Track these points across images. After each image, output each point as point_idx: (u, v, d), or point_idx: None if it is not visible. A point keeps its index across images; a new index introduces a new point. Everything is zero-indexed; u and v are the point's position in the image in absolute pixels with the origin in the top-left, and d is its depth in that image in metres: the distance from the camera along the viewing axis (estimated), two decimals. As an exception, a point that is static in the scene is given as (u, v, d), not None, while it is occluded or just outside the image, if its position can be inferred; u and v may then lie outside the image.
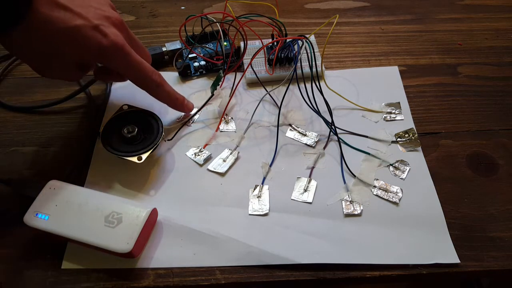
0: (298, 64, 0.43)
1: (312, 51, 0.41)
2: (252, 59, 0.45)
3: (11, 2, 0.29)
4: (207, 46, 0.49)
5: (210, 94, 0.46)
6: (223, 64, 0.47)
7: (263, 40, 0.47)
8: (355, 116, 0.45)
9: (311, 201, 0.38)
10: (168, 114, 0.45)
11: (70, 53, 0.34)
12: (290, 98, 0.47)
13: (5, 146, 0.42)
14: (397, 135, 0.43)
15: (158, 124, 0.40)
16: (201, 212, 0.38)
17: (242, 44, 0.50)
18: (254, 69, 0.47)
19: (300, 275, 0.34)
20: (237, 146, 0.43)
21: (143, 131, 0.40)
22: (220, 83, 0.45)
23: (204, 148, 0.42)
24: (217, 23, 0.45)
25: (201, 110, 0.45)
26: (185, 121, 0.44)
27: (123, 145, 0.39)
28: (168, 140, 0.42)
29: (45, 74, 0.37)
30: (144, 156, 0.38)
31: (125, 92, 0.47)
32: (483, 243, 0.36)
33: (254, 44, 0.50)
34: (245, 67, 0.47)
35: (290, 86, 0.45)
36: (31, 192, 0.36)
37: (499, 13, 0.58)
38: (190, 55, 0.48)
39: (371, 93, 0.47)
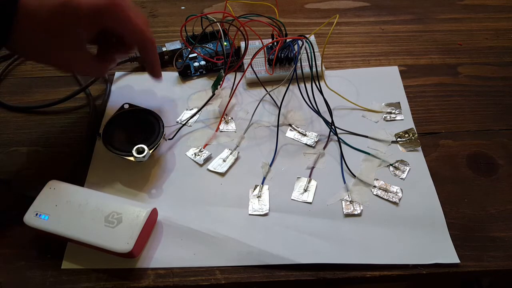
0: (298, 64, 0.43)
1: (312, 51, 0.41)
2: (252, 59, 0.45)
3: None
4: (207, 46, 0.49)
5: (210, 94, 0.46)
6: (223, 64, 0.47)
7: (263, 40, 0.47)
8: (355, 116, 0.45)
9: (311, 201, 0.38)
10: (167, 114, 0.45)
11: (71, 28, 0.34)
12: (290, 98, 0.47)
13: (5, 146, 0.42)
14: (397, 135, 0.43)
15: (159, 123, 0.40)
16: (201, 212, 0.38)
17: (242, 44, 0.50)
18: (254, 69, 0.47)
19: (300, 275, 0.34)
20: (237, 146, 0.43)
21: (144, 130, 0.40)
22: (221, 82, 0.45)
23: (204, 148, 0.42)
24: (217, 23, 0.45)
25: (201, 110, 0.45)
26: (186, 121, 0.44)
27: (124, 144, 0.39)
28: (169, 139, 0.42)
29: (65, 68, 0.38)
30: (145, 156, 0.38)
31: (125, 92, 0.47)
32: (483, 243, 0.36)
33: (254, 44, 0.50)
34: (245, 67, 0.47)
35: (290, 86, 0.45)
36: (31, 192, 0.36)
37: (499, 13, 0.58)
38: (190, 55, 0.48)
39: (371, 93, 0.47)
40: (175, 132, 0.43)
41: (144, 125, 0.40)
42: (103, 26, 0.36)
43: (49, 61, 0.36)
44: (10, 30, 0.31)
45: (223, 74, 0.45)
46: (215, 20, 0.45)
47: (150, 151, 0.38)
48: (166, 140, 0.42)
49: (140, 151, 0.37)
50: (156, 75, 0.43)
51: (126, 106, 0.41)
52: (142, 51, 0.40)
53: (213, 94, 0.45)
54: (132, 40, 0.38)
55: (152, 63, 0.41)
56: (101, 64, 0.39)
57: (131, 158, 0.38)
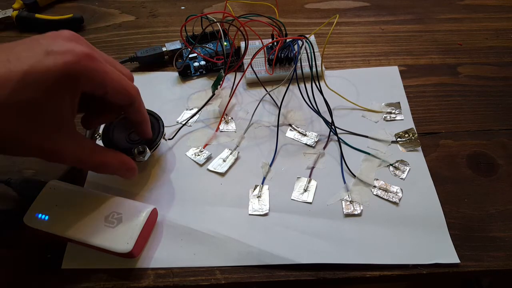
0: (298, 64, 0.43)
1: (312, 51, 0.41)
2: (252, 59, 0.45)
3: None
4: (207, 46, 0.49)
5: (210, 94, 0.46)
6: (223, 63, 0.47)
7: (263, 40, 0.47)
8: (355, 116, 0.45)
9: (311, 201, 0.38)
10: (167, 114, 0.45)
11: (45, 106, 0.28)
12: (290, 98, 0.47)
13: (5, 146, 0.42)
14: (397, 135, 0.43)
15: (159, 123, 0.40)
16: (201, 212, 0.38)
17: (242, 44, 0.50)
18: (254, 69, 0.47)
19: (300, 275, 0.34)
20: (237, 146, 0.43)
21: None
22: (221, 82, 0.45)
23: (204, 148, 0.42)
24: (217, 23, 0.45)
25: (201, 110, 0.45)
26: (186, 121, 0.44)
27: (124, 144, 0.39)
28: (169, 139, 0.42)
29: (55, 156, 0.30)
30: (146, 156, 0.38)
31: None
32: (483, 243, 0.36)
33: (254, 44, 0.50)
34: (245, 67, 0.47)
35: (290, 86, 0.45)
36: (31, 192, 0.36)
37: (499, 13, 0.58)
38: (190, 55, 0.48)
39: (371, 93, 0.47)
40: (175, 132, 0.43)
41: None
42: (81, 91, 0.29)
43: (31, 152, 0.29)
44: None
45: (223, 74, 0.45)
46: (215, 20, 0.45)
47: (151, 152, 0.38)
48: (166, 140, 0.42)
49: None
50: (147, 135, 0.37)
51: None
52: (129, 110, 0.34)
53: (213, 94, 0.45)
54: (116, 100, 0.32)
55: (143, 121, 0.36)
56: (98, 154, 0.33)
57: (132, 157, 0.38)
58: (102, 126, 0.43)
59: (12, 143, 0.28)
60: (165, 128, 0.40)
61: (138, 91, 0.34)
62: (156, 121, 0.40)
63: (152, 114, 0.41)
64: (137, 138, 0.39)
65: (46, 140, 0.29)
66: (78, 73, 0.28)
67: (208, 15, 0.45)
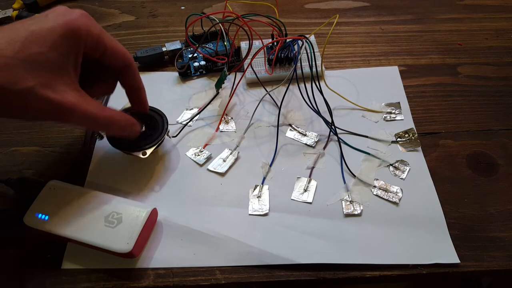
0: (298, 64, 0.43)
1: (312, 51, 0.41)
2: (252, 59, 0.45)
3: None
4: (207, 46, 0.49)
5: (210, 94, 0.46)
6: (225, 63, 0.47)
7: (263, 40, 0.47)
8: (355, 116, 0.45)
9: (311, 201, 0.38)
10: (168, 114, 0.44)
11: (56, 61, 0.30)
12: (290, 98, 0.47)
13: (5, 146, 0.42)
14: (397, 135, 0.43)
15: (163, 120, 0.40)
16: (201, 212, 0.38)
17: (242, 44, 0.50)
18: (254, 69, 0.47)
19: (300, 275, 0.34)
20: (237, 146, 0.43)
21: (148, 127, 0.40)
22: (225, 80, 0.45)
23: (204, 148, 0.42)
24: (219, 24, 0.45)
25: (202, 109, 0.45)
26: (188, 121, 0.44)
27: (127, 141, 0.39)
28: (173, 137, 0.42)
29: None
30: (148, 152, 0.38)
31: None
32: (483, 243, 0.36)
33: (254, 44, 0.50)
34: (245, 67, 0.47)
35: (290, 86, 0.45)
36: (31, 192, 0.36)
37: (499, 13, 0.58)
38: (190, 55, 0.48)
39: (371, 93, 0.47)
40: (179, 130, 0.43)
41: (149, 121, 0.40)
42: (84, 45, 0.31)
43: (40, 110, 0.30)
44: None
45: (227, 73, 0.45)
46: (218, 21, 0.45)
47: (155, 147, 0.38)
48: (170, 137, 0.42)
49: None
50: (143, 104, 0.38)
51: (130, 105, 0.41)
52: (127, 73, 0.36)
53: (217, 93, 0.45)
54: (113, 61, 0.34)
55: (140, 88, 0.37)
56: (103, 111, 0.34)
57: (135, 154, 0.37)
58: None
59: (24, 97, 0.28)
60: (169, 125, 0.40)
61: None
62: (160, 118, 0.40)
63: (156, 111, 0.41)
64: (142, 134, 0.39)
65: (55, 93, 0.29)
66: (79, 28, 0.30)
67: (211, 16, 0.45)
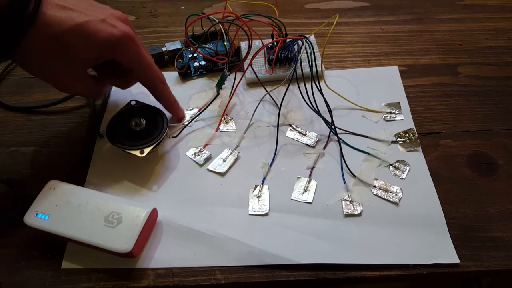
0: (298, 64, 0.43)
1: (312, 51, 0.41)
2: (252, 59, 0.45)
3: (20, 6, 0.29)
4: (207, 46, 0.49)
5: (210, 94, 0.46)
6: (226, 63, 0.47)
7: (263, 40, 0.47)
8: (355, 116, 0.45)
9: (311, 201, 0.38)
10: (168, 114, 0.45)
11: (82, 51, 0.34)
12: (290, 98, 0.47)
13: (5, 146, 0.42)
14: (397, 135, 0.43)
15: (163, 120, 0.40)
16: (201, 212, 0.38)
17: (242, 44, 0.50)
18: (254, 69, 0.47)
19: (300, 275, 0.34)
20: (237, 146, 0.43)
21: (148, 126, 0.40)
22: (225, 80, 0.45)
23: (204, 148, 0.42)
24: (219, 24, 0.45)
25: (202, 109, 0.45)
26: (190, 121, 0.44)
27: (127, 139, 0.39)
28: (173, 137, 0.42)
29: (65, 88, 0.37)
30: (146, 150, 0.38)
31: (125, 92, 0.46)
32: (483, 243, 0.36)
33: (254, 44, 0.50)
34: (245, 67, 0.47)
35: (290, 86, 0.45)
36: (31, 192, 0.36)
37: (499, 13, 0.58)
38: (190, 55, 0.48)
39: (371, 93, 0.47)
40: (178, 131, 0.43)
41: (149, 121, 0.40)
42: (113, 57, 0.36)
43: (49, 79, 0.35)
44: (17, 43, 0.31)
45: (227, 74, 0.45)
46: (218, 21, 0.45)
47: (153, 148, 0.38)
48: (170, 137, 0.42)
49: (138, 123, 0.39)
50: (178, 113, 0.43)
51: (133, 103, 0.41)
52: (152, 90, 0.40)
53: (218, 94, 0.45)
54: (141, 75, 0.38)
55: (167, 101, 0.42)
56: (100, 88, 0.40)
57: (133, 152, 0.38)
58: (101, 127, 0.43)
59: (40, 65, 0.34)
60: (169, 125, 0.40)
61: (164, 79, 0.40)
62: (160, 118, 0.40)
63: (156, 110, 0.41)
64: (141, 134, 0.39)
65: (65, 75, 0.35)
66: (115, 46, 0.34)
67: (211, 16, 0.45)
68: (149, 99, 0.42)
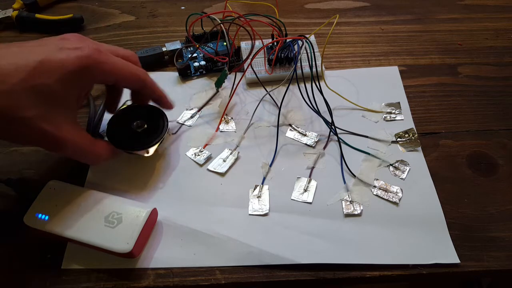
0: (298, 64, 0.43)
1: (312, 51, 0.41)
2: (252, 59, 0.45)
3: None
4: (207, 46, 0.49)
5: (210, 94, 0.46)
6: (226, 63, 0.47)
7: (263, 40, 0.47)
8: (355, 116, 0.45)
9: (311, 201, 0.38)
10: (168, 114, 0.45)
11: (62, 88, 0.30)
12: (290, 98, 0.47)
13: (5, 146, 0.42)
14: (397, 135, 0.43)
15: (163, 118, 0.40)
16: (201, 212, 0.38)
17: (242, 44, 0.50)
18: (254, 69, 0.47)
19: (300, 275, 0.34)
20: (237, 146, 0.43)
21: (148, 125, 0.40)
22: (226, 80, 0.45)
23: (204, 148, 0.42)
24: (221, 24, 0.45)
25: (202, 109, 0.45)
26: (188, 120, 0.44)
27: (130, 140, 0.38)
28: (173, 133, 0.42)
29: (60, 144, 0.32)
30: (151, 150, 0.38)
31: (125, 92, 0.46)
32: (483, 243, 0.36)
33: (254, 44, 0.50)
34: (245, 67, 0.47)
35: (290, 86, 0.45)
36: (31, 192, 0.36)
37: (499, 13, 0.58)
38: (190, 55, 0.48)
39: (371, 93, 0.47)
40: (177, 128, 0.43)
41: (148, 120, 0.40)
42: (93, 82, 0.33)
43: (33, 137, 0.30)
44: None
45: (228, 72, 0.45)
46: (220, 21, 0.45)
47: (157, 145, 0.38)
48: (170, 134, 0.42)
49: (139, 125, 0.39)
50: (169, 106, 0.41)
51: (129, 103, 0.41)
52: (144, 91, 0.38)
53: (217, 92, 0.45)
54: (128, 86, 0.37)
55: (161, 97, 0.40)
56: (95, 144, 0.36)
57: (139, 153, 0.38)
58: (101, 127, 0.43)
59: (21, 126, 0.29)
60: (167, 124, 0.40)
61: (146, 73, 0.37)
62: (160, 116, 0.40)
63: (155, 109, 0.41)
64: (141, 134, 0.39)
65: (51, 126, 0.30)
66: (90, 66, 0.31)
67: (212, 15, 0.45)
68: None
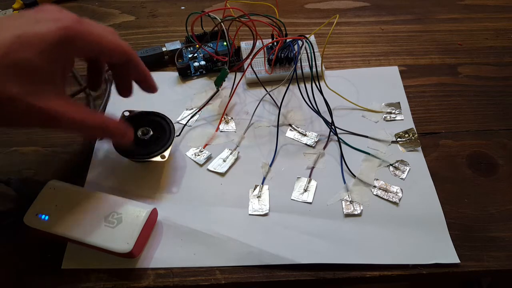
0: (298, 64, 0.43)
1: (312, 51, 0.41)
2: (252, 59, 0.45)
3: None
4: (207, 45, 0.49)
5: (210, 94, 0.46)
6: (226, 62, 0.47)
7: (263, 40, 0.47)
8: (355, 116, 0.45)
9: (311, 201, 0.38)
10: (167, 114, 0.44)
11: (45, 63, 0.28)
12: (290, 98, 0.47)
13: (5, 146, 0.42)
14: (397, 135, 0.43)
15: (167, 121, 0.40)
16: (201, 212, 0.38)
17: (242, 44, 0.50)
18: (254, 69, 0.47)
19: (300, 275, 0.34)
20: (237, 146, 0.43)
21: (153, 130, 0.39)
22: (226, 80, 0.45)
23: (204, 148, 0.42)
24: (222, 23, 0.45)
25: (202, 108, 0.45)
26: (192, 115, 0.44)
27: (140, 149, 0.38)
28: (177, 136, 0.42)
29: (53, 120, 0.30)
30: (166, 154, 0.38)
31: (122, 104, 0.46)
32: (483, 243, 0.36)
33: (254, 44, 0.50)
34: (245, 67, 0.47)
35: (290, 86, 0.45)
36: (31, 192, 0.36)
37: (499, 13, 0.58)
38: (190, 55, 0.48)
39: (371, 93, 0.47)
40: (179, 130, 0.43)
41: (151, 125, 0.40)
42: (76, 54, 0.31)
43: (26, 116, 0.29)
44: None
45: (228, 71, 0.45)
46: (220, 20, 0.45)
47: (170, 148, 0.38)
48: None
49: (145, 132, 0.38)
50: (153, 86, 0.38)
51: (126, 114, 0.41)
52: (128, 65, 0.34)
53: (217, 91, 0.45)
54: (112, 59, 0.33)
55: (145, 74, 0.37)
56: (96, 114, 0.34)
57: (155, 159, 0.38)
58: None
59: (8, 105, 0.27)
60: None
61: (130, 47, 0.34)
62: (163, 120, 0.40)
63: (158, 115, 0.40)
64: (146, 137, 0.39)
65: (40, 101, 0.28)
66: (71, 37, 0.29)
67: (211, 14, 0.45)
68: (148, 99, 0.42)
